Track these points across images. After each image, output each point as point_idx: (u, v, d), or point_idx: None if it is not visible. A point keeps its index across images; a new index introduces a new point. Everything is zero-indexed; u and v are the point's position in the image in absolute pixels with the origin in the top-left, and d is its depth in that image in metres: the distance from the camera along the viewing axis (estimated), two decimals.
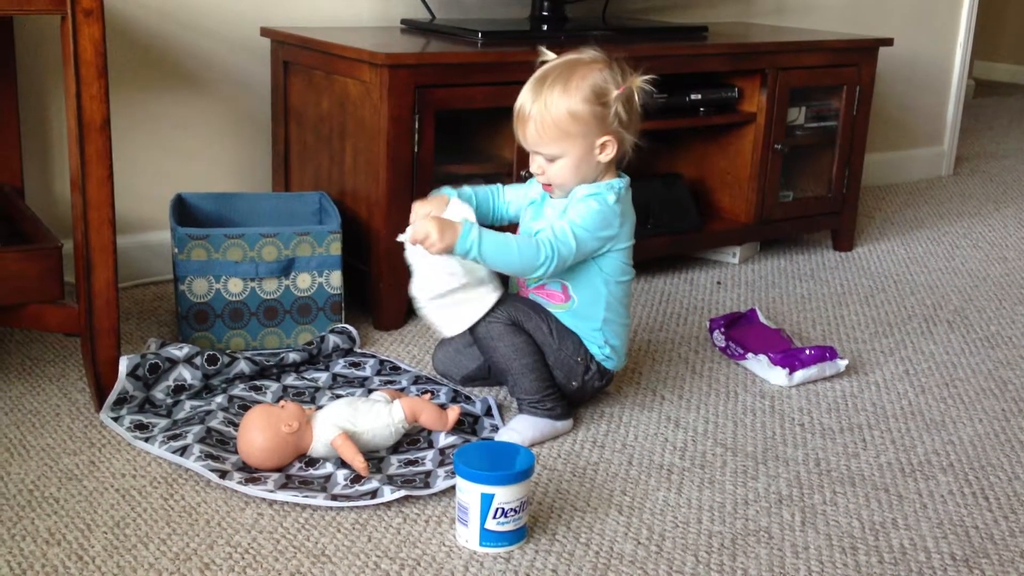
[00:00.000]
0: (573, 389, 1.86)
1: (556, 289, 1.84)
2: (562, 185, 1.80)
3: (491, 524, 1.48)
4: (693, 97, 2.62)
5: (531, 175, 1.86)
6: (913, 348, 2.31)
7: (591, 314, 1.84)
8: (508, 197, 1.94)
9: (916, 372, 2.19)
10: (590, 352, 1.85)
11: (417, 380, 2.00)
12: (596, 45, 1.82)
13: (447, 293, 1.79)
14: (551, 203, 1.86)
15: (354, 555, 1.48)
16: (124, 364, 1.82)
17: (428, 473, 1.68)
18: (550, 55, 1.82)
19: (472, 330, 1.83)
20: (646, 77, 1.79)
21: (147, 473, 1.66)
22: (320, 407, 1.77)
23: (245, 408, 1.83)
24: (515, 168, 2.33)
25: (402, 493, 1.59)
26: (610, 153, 1.78)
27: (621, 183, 1.82)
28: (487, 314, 1.80)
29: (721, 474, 1.74)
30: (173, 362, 1.87)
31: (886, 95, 3.61)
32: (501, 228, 1.84)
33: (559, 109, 1.73)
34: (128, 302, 2.33)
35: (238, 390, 1.91)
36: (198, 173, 2.52)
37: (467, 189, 1.90)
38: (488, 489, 1.47)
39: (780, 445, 1.85)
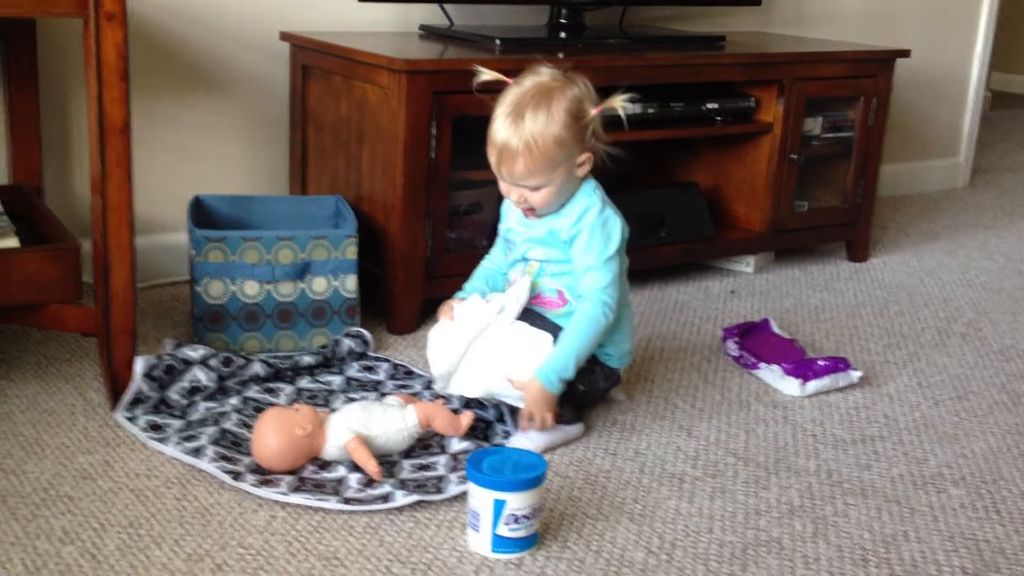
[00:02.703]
0: (580, 392, 1.86)
1: (552, 296, 1.84)
2: (545, 208, 1.79)
3: (503, 530, 1.49)
4: (710, 106, 2.62)
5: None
6: (926, 360, 2.31)
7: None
8: (498, 260, 1.93)
9: (929, 384, 2.18)
10: (592, 353, 1.85)
11: (430, 385, 2.01)
12: (545, 59, 1.79)
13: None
14: (526, 221, 1.85)
15: (366, 559, 1.48)
16: (140, 365, 1.83)
17: (440, 478, 1.68)
18: (490, 74, 1.80)
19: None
20: (625, 95, 1.77)
21: (161, 473, 1.67)
22: (334, 410, 1.78)
23: (259, 410, 1.83)
24: None
25: (414, 498, 1.60)
26: (587, 168, 1.78)
27: (592, 184, 1.82)
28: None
29: (733, 484, 1.74)
30: (188, 363, 1.88)
31: (903, 106, 3.61)
32: None
33: (547, 140, 1.71)
34: (144, 303, 2.35)
35: (252, 392, 1.92)
36: (216, 175, 2.53)
37: (473, 287, 1.90)
38: (500, 495, 1.48)
39: (792, 456, 1.85)
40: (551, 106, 1.72)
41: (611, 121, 1.80)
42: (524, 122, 1.71)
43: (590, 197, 1.80)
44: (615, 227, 1.80)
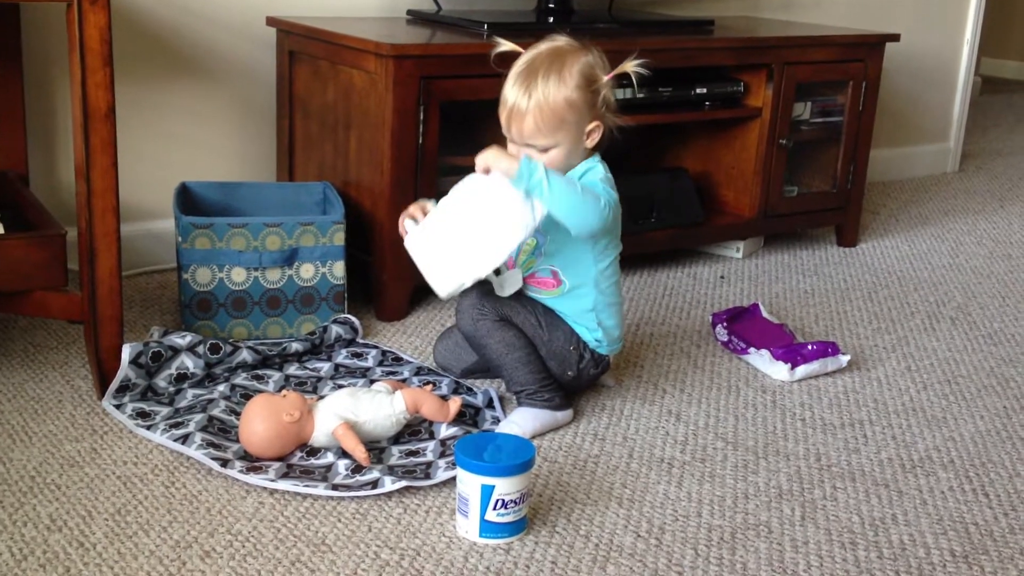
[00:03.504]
0: (569, 379, 1.86)
1: (547, 276, 1.84)
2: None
3: (491, 515, 1.49)
4: (698, 91, 2.62)
5: None
6: (915, 344, 2.31)
7: (582, 295, 1.84)
8: None
9: (918, 368, 2.19)
10: (582, 340, 1.85)
11: (419, 371, 2.00)
12: (565, 33, 1.82)
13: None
14: None
15: (354, 544, 1.48)
16: (127, 352, 1.82)
17: (429, 464, 1.68)
18: (507, 44, 1.82)
19: (461, 328, 1.83)
20: (638, 61, 1.78)
21: (149, 461, 1.66)
22: (322, 397, 1.77)
23: (247, 397, 1.83)
24: None
25: (403, 484, 1.60)
26: (596, 138, 1.79)
27: (597, 159, 1.82)
28: (473, 305, 1.79)
29: (722, 468, 1.75)
30: (176, 350, 1.88)
31: (892, 91, 3.61)
32: None
33: (557, 98, 1.73)
34: (131, 290, 2.34)
35: (240, 379, 1.91)
36: (202, 162, 2.52)
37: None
38: (488, 480, 1.47)
39: (781, 440, 1.85)
40: (563, 68, 1.74)
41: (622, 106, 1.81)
42: (536, 80, 1.73)
43: (593, 162, 1.80)
44: (609, 189, 1.78)
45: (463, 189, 1.72)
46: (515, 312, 1.81)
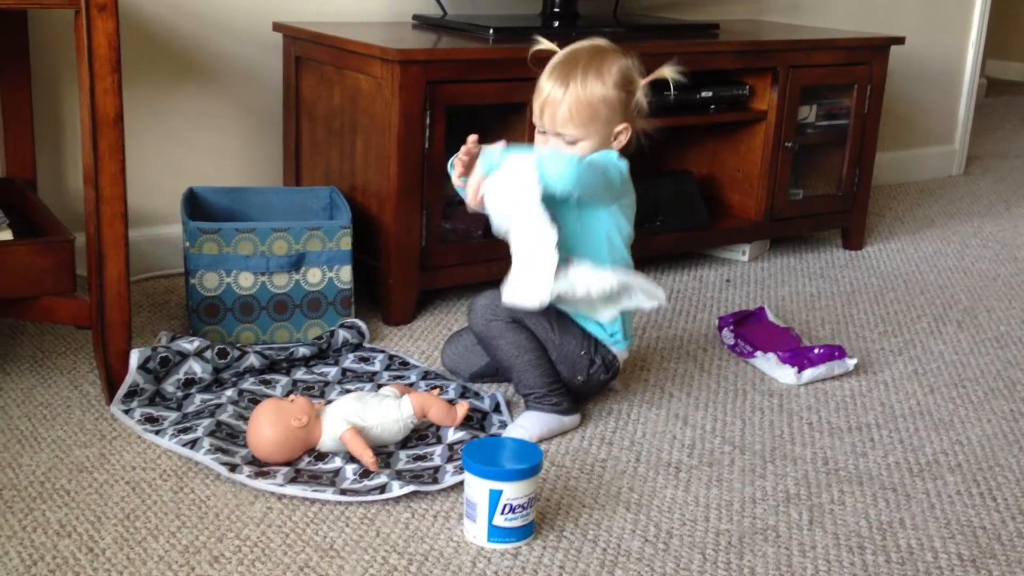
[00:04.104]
0: (579, 383, 1.86)
1: (561, 264, 1.83)
2: None
3: (499, 520, 1.49)
4: (704, 94, 2.62)
5: None
6: (922, 347, 2.31)
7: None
8: None
9: (925, 372, 2.19)
10: (596, 343, 1.85)
11: (426, 375, 2.01)
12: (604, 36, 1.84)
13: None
14: None
15: (362, 549, 1.48)
16: (135, 357, 1.83)
17: (436, 468, 1.68)
18: (546, 43, 1.84)
19: (473, 328, 1.84)
20: (677, 67, 1.81)
21: (157, 466, 1.66)
22: (329, 401, 1.78)
23: (255, 402, 1.83)
24: None
25: (410, 488, 1.60)
26: (623, 141, 1.81)
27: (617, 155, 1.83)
28: (486, 305, 1.80)
29: (729, 472, 1.75)
30: (183, 355, 1.88)
31: (898, 94, 3.61)
32: None
33: (594, 92, 1.75)
34: (139, 295, 2.34)
35: (248, 384, 1.92)
36: (210, 167, 2.53)
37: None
38: (496, 485, 1.48)
39: (788, 444, 1.85)
40: (603, 65, 1.77)
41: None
42: (577, 71, 1.76)
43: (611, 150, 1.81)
44: (616, 169, 1.79)
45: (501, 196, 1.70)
46: (528, 314, 1.81)
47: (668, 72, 1.81)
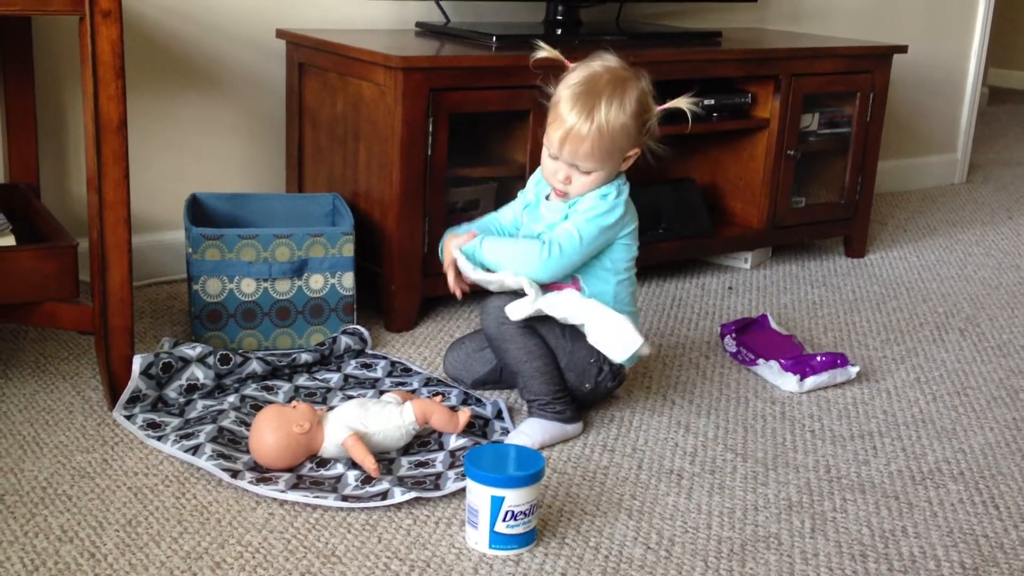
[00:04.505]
0: (585, 391, 1.86)
1: (566, 282, 1.84)
2: (581, 193, 1.81)
3: (501, 527, 1.49)
4: (706, 102, 2.62)
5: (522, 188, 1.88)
6: (924, 356, 2.31)
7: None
8: (505, 219, 1.96)
9: (927, 380, 2.19)
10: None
11: (428, 382, 2.01)
12: (609, 48, 1.83)
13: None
14: (547, 204, 1.86)
15: (364, 556, 1.48)
16: (137, 363, 1.83)
17: (438, 475, 1.68)
18: (547, 50, 1.81)
19: (485, 329, 1.84)
20: (694, 99, 1.80)
21: (159, 472, 1.66)
22: (331, 408, 1.78)
23: (257, 408, 1.83)
24: (527, 171, 2.33)
25: (412, 495, 1.60)
26: (631, 162, 1.81)
27: (621, 179, 1.84)
28: (500, 308, 1.81)
29: (731, 480, 1.74)
30: (186, 361, 1.88)
31: (900, 102, 3.61)
32: None
33: (615, 128, 1.73)
34: (142, 301, 2.35)
35: (250, 390, 1.92)
36: (213, 173, 2.53)
37: (469, 225, 1.93)
38: (498, 492, 1.48)
39: (790, 451, 1.85)
40: (625, 95, 1.74)
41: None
42: (600, 106, 1.73)
43: (610, 186, 1.81)
44: (617, 211, 1.80)
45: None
46: (540, 320, 1.81)
47: (684, 104, 1.80)
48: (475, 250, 1.82)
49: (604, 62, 1.78)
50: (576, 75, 1.77)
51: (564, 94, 1.76)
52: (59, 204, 2.36)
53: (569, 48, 1.88)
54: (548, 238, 1.79)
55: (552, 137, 1.77)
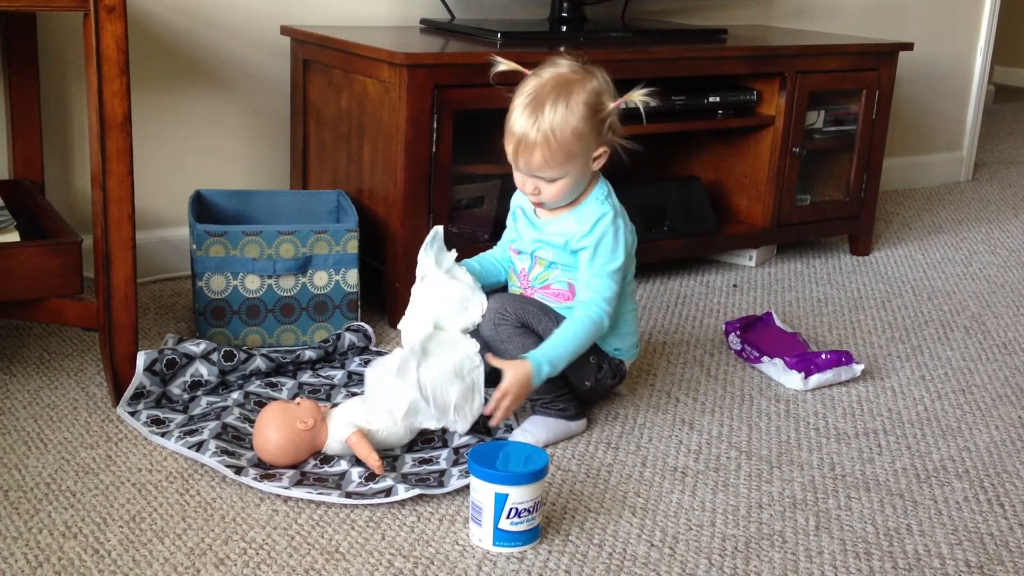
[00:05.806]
0: (586, 388, 1.86)
1: (563, 288, 1.84)
2: (556, 202, 1.80)
3: (505, 524, 1.49)
4: (711, 100, 2.62)
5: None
6: (929, 354, 2.31)
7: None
8: (495, 255, 1.94)
9: (932, 378, 2.18)
10: (602, 350, 1.85)
11: None
12: (562, 50, 1.80)
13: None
14: (541, 212, 1.85)
15: (368, 552, 1.48)
16: (141, 359, 1.83)
17: (442, 472, 1.68)
18: (507, 63, 1.79)
19: (482, 332, 1.83)
20: (645, 90, 1.76)
21: (163, 468, 1.67)
22: (335, 405, 1.78)
23: (261, 405, 1.83)
24: None
25: (416, 492, 1.60)
26: (602, 161, 1.78)
27: (605, 189, 1.82)
28: (495, 309, 1.80)
29: (735, 477, 1.74)
30: (190, 358, 1.88)
31: (905, 100, 3.60)
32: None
33: (565, 133, 1.71)
34: (146, 297, 2.35)
35: (254, 387, 1.92)
36: (217, 170, 2.53)
37: (473, 263, 1.89)
38: (502, 489, 1.47)
39: (795, 449, 1.85)
40: (570, 98, 1.71)
41: (627, 115, 1.80)
42: (543, 114, 1.70)
43: (603, 205, 1.79)
44: (623, 239, 1.79)
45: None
46: (537, 319, 1.81)
47: (637, 97, 1.76)
48: (549, 371, 1.73)
49: (554, 68, 1.75)
50: (525, 85, 1.75)
51: (513, 105, 1.74)
52: (63, 200, 2.36)
53: (573, 46, 1.87)
54: (592, 302, 1.76)
55: (507, 150, 1.76)
